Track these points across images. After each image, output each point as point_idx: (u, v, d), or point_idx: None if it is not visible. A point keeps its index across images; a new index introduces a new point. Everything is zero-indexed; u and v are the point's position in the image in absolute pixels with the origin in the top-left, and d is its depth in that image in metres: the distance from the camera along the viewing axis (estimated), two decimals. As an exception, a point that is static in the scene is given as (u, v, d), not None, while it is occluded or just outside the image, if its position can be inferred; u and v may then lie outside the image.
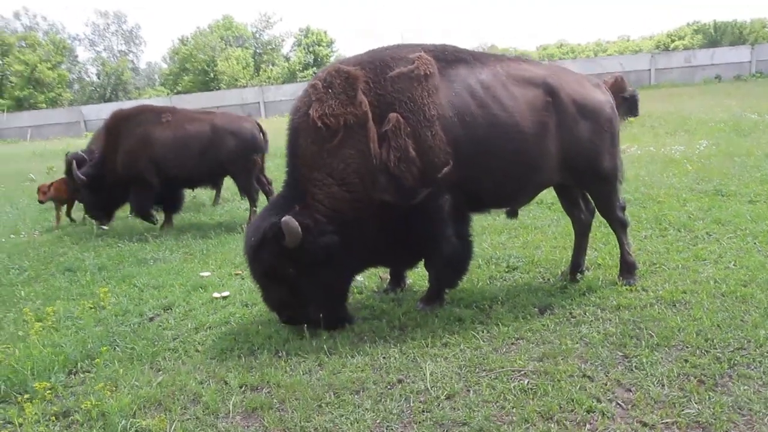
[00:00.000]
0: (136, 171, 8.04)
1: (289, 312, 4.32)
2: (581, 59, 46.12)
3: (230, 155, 8.14)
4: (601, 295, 4.61)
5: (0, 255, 7.37)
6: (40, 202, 9.06)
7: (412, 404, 3.31)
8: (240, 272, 6.01)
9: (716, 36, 52.40)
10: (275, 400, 3.45)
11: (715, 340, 3.77)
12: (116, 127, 8.26)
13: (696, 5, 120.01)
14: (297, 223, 3.97)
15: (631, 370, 3.51)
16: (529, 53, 66.39)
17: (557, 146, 4.42)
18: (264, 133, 8.52)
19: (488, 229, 6.76)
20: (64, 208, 9.30)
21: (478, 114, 4.24)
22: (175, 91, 50.48)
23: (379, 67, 4.26)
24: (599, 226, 6.54)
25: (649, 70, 36.24)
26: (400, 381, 3.57)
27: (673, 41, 60.08)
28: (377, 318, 4.55)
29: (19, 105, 45.92)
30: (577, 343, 3.89)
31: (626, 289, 4.67)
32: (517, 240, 6.38)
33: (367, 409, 3.29)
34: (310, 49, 56.35)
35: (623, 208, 4.95)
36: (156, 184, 8.12)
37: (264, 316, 4.74)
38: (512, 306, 4.54)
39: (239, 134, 8.19)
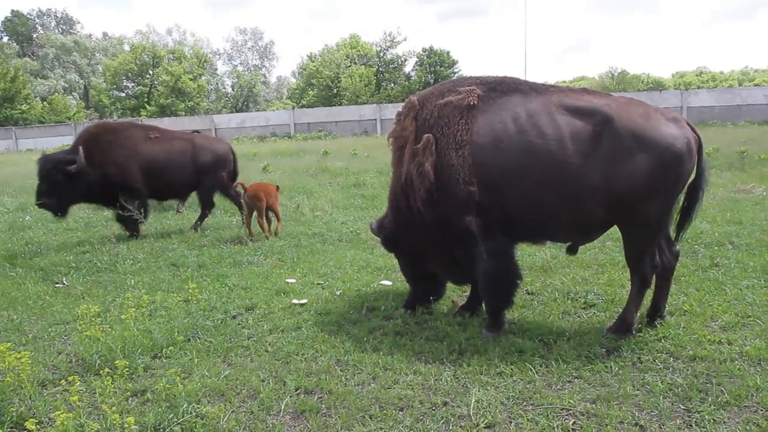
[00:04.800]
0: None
1: None
2: (720, 89, 42.80)
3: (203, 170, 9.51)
4: (677, 343, 4.36)
5: (120, 246, 8.29)
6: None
7: (451, 427, 3.36)
8: (321, 282, 6.32)
9: None
10: (324, 406, 3.65)
11: (796, 407, 3.45)
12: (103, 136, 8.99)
13: None
14: (373, 226, 5.45)
15: (690, 425, 3.31)
16: (663, 80, 62.80)
17: (603, 178, 4.22)
18: (234, 155, 10.09)
19: (574, 263, 6.57)
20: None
21: (515, 140, 4.36)
22: (300, 104, 53.26)
23: (434, 96, 4.80)
24: (696, 270, 6.17)
25: (799, 103, 32.92)
26: (445, 403, 3.62)
27: (834, 71, 54.15)
28: (439, 340, 4.62)
29: (162, 112, 50.76)
30: (637, 390, 3.72)
31: (707, 340, 4.37)
32: (602, 276, 6.15)
33: (406, 426, 3.38)
34: (432, 69, 57.17)
35: (654, 267, 4.58)
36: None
37: (333, 326, 4.97)
38: (578, 343, 4.41)
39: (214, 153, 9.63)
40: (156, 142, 9.21)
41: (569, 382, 3.88)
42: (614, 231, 4.85)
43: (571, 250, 4.99)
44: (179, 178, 9.33)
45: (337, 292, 5.90)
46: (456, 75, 56.21)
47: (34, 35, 69.49)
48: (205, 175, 9.52)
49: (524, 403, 3.61)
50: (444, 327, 4.85)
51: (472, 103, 4.58)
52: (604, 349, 4.32)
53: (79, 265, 7.35)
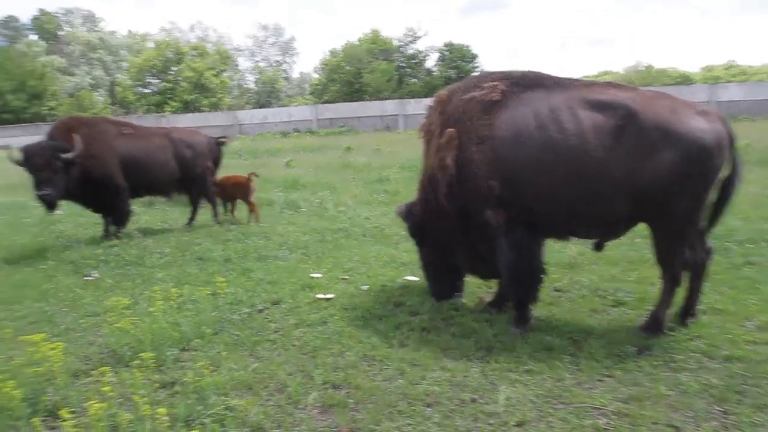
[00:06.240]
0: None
1: None
2: (750, 83, 41.70)
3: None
4: (711, 342, 4.26)
5: (147, 240, 8.39)
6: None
7: (479, 425, 3.33)
8: (346, 277, 6.32)
9: None
10: (351, 401, 3.64)
11: (838, 410, 3.35)
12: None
13: None
14: (401, 209, 5.51)
15: (726, 427, 3.24)
16: (691, 75, 61.52)
17: (627, 173, 4.12)
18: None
19: (601, 260, 6.47)
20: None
21: (536, 136, 4.33)
22: (322, 100, 53.35)
23: (460, 91, 4.82)
24: (729, 267, 6.03)
25: (832, 97, 32.01)
26: (473, 400, 3.59)
27: None
28: (466, 336, 4.59)
29: (186, 107, 51.25)
30: (671, 390, 3.65)
31: (742, 340, 4.27)
32: (631, 273, 6.05)
33: (435, 422, 3.36)
34: (453, 64, 56.81)
35: (685, 265, 4.47)
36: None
37: (359, 321, 4.97)
38: (608, 342, 4.34)
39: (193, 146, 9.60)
40: (130, 138, 8.82)
41: (600, 380, 3.82)
42: (644, 227, 4.75)
43: (598, 247, 4.91)
44: (162, 174, 9.09)
45: (363, 287, 5.89)
46: (477, 69, 55.78)
47: (61, 33, 70.62)
48: (193, 168, 9.48)
49: (554, 401, 3.56)
50: (471, 323, 4.82)
51: (495, 99, 4.56)
52: (635, 348, 4.24)
53: (107, 259, 7.46)
